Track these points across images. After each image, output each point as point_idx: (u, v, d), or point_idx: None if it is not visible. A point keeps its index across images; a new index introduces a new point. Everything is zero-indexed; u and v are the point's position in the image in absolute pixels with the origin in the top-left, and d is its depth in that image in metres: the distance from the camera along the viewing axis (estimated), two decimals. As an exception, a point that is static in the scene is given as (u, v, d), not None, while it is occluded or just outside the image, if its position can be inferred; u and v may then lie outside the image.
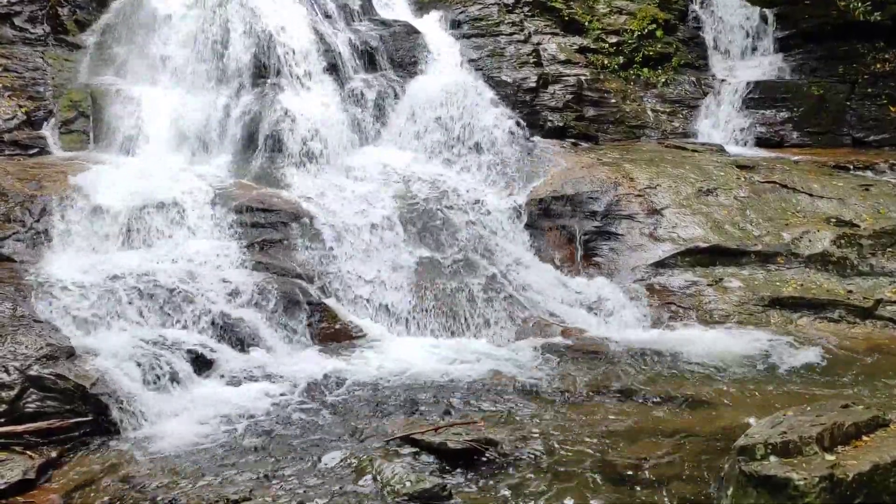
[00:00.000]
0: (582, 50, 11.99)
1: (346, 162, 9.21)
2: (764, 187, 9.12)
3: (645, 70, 12.06)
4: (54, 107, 9.45)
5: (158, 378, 5.85)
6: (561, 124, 11.02)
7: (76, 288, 6.57)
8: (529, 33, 11.86)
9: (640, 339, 7.23)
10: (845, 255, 8.07)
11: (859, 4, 10.90)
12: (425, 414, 5.47)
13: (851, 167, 9.88)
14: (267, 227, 7.90)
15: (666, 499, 4.22)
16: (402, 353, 6.76)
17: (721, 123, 11.52)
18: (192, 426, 5.36)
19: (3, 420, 5.09)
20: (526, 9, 12.19)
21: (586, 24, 12.24)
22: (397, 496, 4.23)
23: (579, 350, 6.88)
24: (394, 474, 4.40)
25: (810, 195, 8.94)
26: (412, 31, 11.21)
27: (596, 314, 7.75)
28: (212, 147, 9.25)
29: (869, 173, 9.74)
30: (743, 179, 9.25)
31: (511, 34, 11.74)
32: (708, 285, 7.95)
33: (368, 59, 10.66)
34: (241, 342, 6.65)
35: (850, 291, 7.70)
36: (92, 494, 4.49)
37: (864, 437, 3.83)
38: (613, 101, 11.57)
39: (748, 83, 11.76)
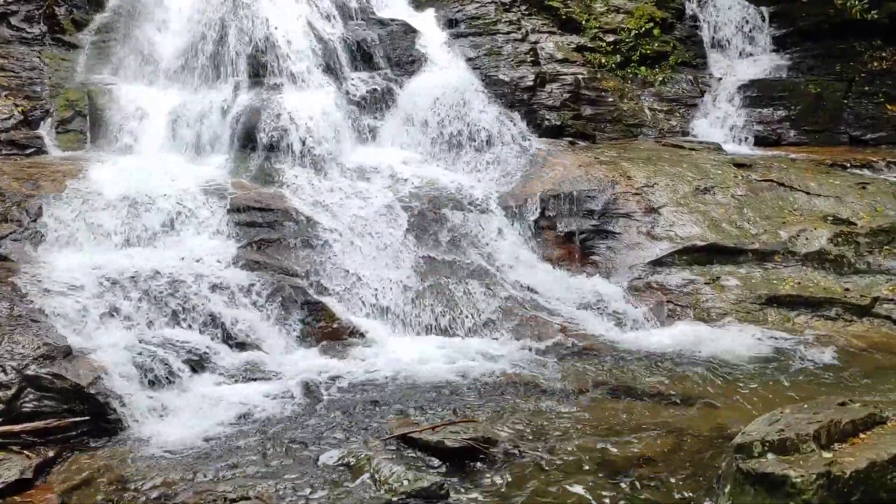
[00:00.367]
0: (579, 49, 11.98)
1: (343, 161, 9.20)
2: (761, 185, 9.13)
3: (642, 69, 12.06)
4: (51, 106, 9.44)
5: (155, 377, 5.85)
6: (558, 123, 11.02)
7: (73, 287, 6.56)
8: (527, 32, 11.87)
9: (637, 338, 7.24)
10: (842, 253, 8.08)
11: (856, 3, 10.92)
12: (423, 413, 5.46)
13: (848, 165, 9.89)
14: (264, 227, 7.90)
15: (665, 496, 4.23)
16: (399, 352, 6.75)
17: (718, 122, 11.51)
18: (190, 425, 5.35)
19: (0, 420, 5.08)
20: (523, 7, 12.19)
21: (583, 22, 12.23)
22: (395, 494, 4.23)
23: (577, 348, 6.89)
24: (391, 473, 4.40)
25: (807, 193, 8.95)
26: (410, 30, 11.21)
27: (594, 313, 7.75)
28: (209, 146, 9.24)
29: (866, 171, 9.75)
30: (740, 178, 9.26)
31: (508, 33, 11.74)
32: (705, 284, 7.96)
33: (366, 58, 10.66)
34: (239, 341, 6.65)
35: (848, 289, 7.71)
36: (89, 494, 4.49)
37: (861, 435, 3.84)
38: (611, 99, 11.57)
39: (745, 82, 11.77)
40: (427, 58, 10.90)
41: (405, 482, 4.29)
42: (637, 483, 4.39)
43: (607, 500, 4.23)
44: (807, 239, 8.25)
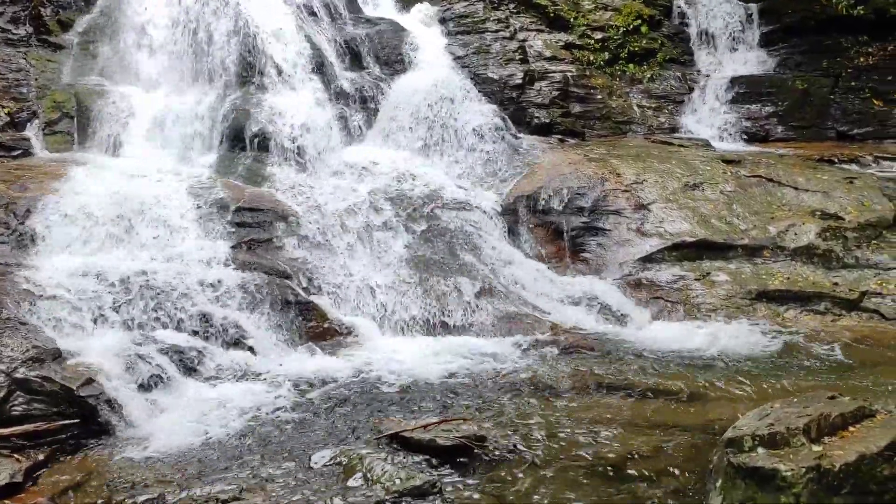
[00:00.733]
0: (567, 46, 12.01)
1: (332, 160, 9.19)
2: (750, 181, 9.17)
3: (630, 66, 12.10)
4: (38, 108, 9.38)
5: (146, 379, 5.82)
6: (547, 121, 11.04)
7: (62, 289, 6.52)
8: (515, 30, 11.88)
9: (628, 334, 7.26)
10: (831, 248, 8.13)
11: (842, -2, 10.99)
12: (415, 411, 5.46)
13: (836, 160, 9.95)
14: (254, 227, 7.87)
15: (657, 492, 4.24)
16: (390, 351, 6.75)
17: (707, 118, 11.57)
18: (181, 426, 5.33)
19: (-11, 423, 5.06)
20: (511, 5, 12.21)
21: (571, 20, 12.25)
22: (388, 493, 4.22)
23: (568, 346, 6.89)
24: (384, 472, 4.39)
25: (795, 189, 8.99)
26: (398, 29, 11.21)
27: (585, 309, 7.76)
28: (198, 147, 9.21)
29: (853, 166, 9.81)
30: (729, 174, 9.29)
31: (497, 31, 11.75)
32: (695, 279, 7.99)
33: (354, 58, 10.65)
34: (229, 342, 6.63)
35: (836, 284, 7.76)
36: (80, 496, 4.47)
37: (851, 428, 3.86)
38: (599, 97, 11.59)
39: (733, 78, 11.83)
40: (415, 57, 10.90)
41: (398, 481, 4.29)
42: (629, 478, 4.40)
43: (600, 496, 4.24)
44: (795, 234, 8.29)
